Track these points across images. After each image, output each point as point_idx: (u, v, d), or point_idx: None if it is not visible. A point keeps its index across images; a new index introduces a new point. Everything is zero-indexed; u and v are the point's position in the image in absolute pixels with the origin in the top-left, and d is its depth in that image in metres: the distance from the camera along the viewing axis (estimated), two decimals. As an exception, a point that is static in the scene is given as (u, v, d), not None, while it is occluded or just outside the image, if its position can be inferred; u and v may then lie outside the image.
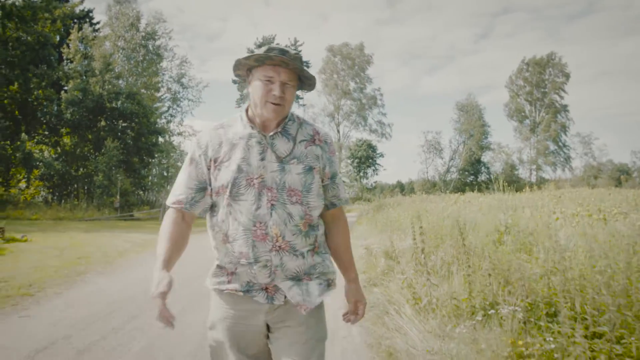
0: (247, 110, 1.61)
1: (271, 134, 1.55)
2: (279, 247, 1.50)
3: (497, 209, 8.26)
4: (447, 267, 4.41)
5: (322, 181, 1.61)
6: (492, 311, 2.88)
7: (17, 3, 22.66)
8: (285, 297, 1.53)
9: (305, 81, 1.60)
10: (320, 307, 1.63)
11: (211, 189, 1.58)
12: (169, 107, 36.29)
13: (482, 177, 48.49)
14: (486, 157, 50.37)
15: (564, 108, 49.77)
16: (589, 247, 3.92)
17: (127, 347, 3.52)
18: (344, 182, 1.77)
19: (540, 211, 7.32)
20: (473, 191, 20.79)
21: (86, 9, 30.87)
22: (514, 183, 36.06)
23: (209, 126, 1.64)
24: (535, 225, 5.31)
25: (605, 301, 2.48)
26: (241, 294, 1.55)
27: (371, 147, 47.02)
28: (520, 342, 2.55)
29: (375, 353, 3.40)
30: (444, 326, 3.34)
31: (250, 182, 1.51)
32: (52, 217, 19.97)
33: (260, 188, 1.50)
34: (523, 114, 50.76)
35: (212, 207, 1.61)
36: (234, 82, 46.15)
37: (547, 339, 2.47)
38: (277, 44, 1.55)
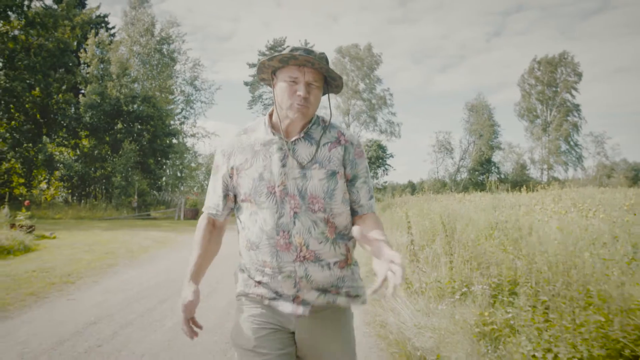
0: (270, 115, 1.57)
1: (293, 139, 1.51)
2: (303, 257, 1.45)
3: (494, 207, 8.77)
4: (438, 258, 4.97)
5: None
6: (465, 289, 3.45)
7: (39, 11, 23.67)
8: (310, 309, 1.50)
9: (331, 82, 1.53)
10: (348, 321, 1.61)
11: (234, 196, 1.60)
12: (182, 109, 37.16)
13: (493, 177, 48.52)
14: (497, 157, 50.43)
15: (576, 107, 49.60)
16: (563, 239, 4.47)
17: (162, 323, 4.17)
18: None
19: (533, 209, 7.83)
20: (480, 191, 21.22)
21: (102, 14, 31.95)
22: (524, 182, 36.27)
23: (233, 133, 1.63)
24: (523, 222, 5.85)
25: (552, 278, 3.04)
26: (267, 300, 1.53)
27: (381, 147, 47.40)
28: (486, 313, 3.12)
29: (372, 328, 4.00)
30: (430, 305, 3.92)
31: (271, 190, 1.48)
32: (73, 217, 20.93)
33: (282, 196, 1.47)
34: (534, 113, 50.62)
35: (239, 213, 1.61)
36: (246, 84, 46.87)
37: (507, 310, 3.04)
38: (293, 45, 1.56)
